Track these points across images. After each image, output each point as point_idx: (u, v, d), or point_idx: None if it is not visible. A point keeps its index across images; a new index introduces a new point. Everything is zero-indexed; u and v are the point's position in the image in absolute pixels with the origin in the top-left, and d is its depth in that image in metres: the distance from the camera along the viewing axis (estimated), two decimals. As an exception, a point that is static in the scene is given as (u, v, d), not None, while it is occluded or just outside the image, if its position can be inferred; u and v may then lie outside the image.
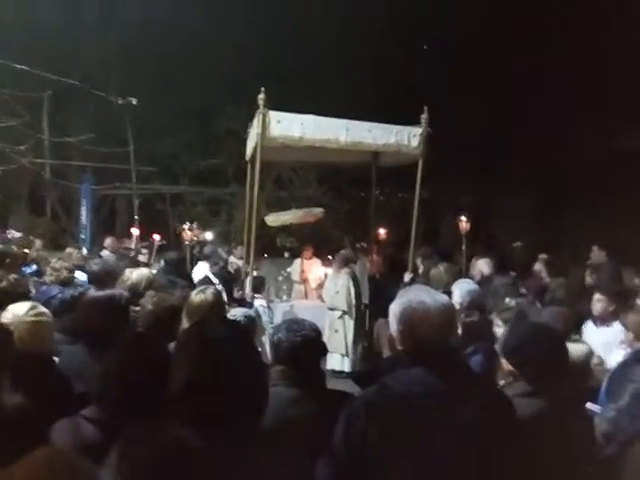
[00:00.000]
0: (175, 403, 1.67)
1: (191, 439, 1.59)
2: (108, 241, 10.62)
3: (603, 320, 4.82)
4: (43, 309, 2.89)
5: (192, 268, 8.55)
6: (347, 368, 8.23)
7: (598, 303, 4.87)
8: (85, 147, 13.28)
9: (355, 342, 8.34)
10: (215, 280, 7.02)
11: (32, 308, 2.81)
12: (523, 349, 2.67)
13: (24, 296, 4.04)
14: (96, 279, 4.88)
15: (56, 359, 3.10)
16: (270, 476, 1.63)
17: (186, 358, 1.71)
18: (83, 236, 16.35)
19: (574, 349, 3.87)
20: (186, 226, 10.49)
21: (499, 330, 4.29)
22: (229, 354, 1.68)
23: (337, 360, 8.24)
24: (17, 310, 2.80)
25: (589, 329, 4.83)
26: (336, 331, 8.27)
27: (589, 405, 3.30)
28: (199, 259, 8.96)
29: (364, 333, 8.53)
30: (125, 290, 3.89)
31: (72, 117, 16.30)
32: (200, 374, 1.66)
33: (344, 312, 8.31)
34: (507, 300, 5.09)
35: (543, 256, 8.32)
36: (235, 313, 3.65)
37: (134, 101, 13.32)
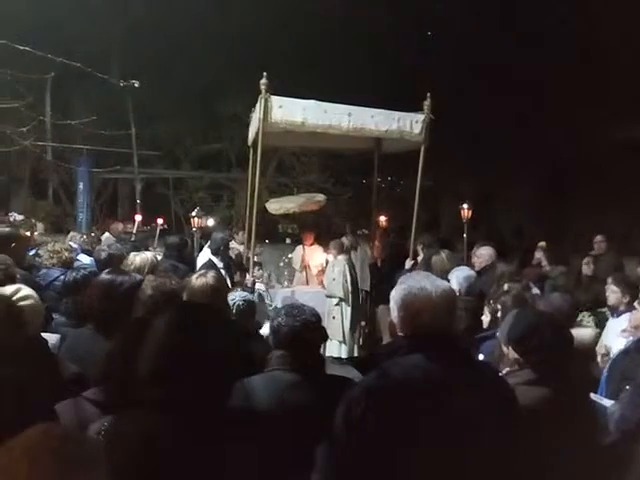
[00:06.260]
0: (143, 389, 1.68)
1: (157, 425, 1.61)
2: (113, 225, 10.85)
3: (618, 310, 4.80)
4: (28, 292, 2.67)
5: (198, 255, 8.53)
6: (344, 354, 8.27)
7: (612, 294, 4.87)
8: (87, 130, 13.23)
9: (352, 329, 8.39)
10: (219, 264, 7.03)
11: (17, 292, 2.62)
12: (528, 337, 2.66)
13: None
14: (105, 264, 4.84)
15: (54, 337, 3.11)
16: (234, 463, 1.64)
17: (153, 344, 1.72)
18: (80, 219, 16.36)
19: (581, 333, 3.91)
20: (194, 213, 10.51)
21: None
22: (194, 341, 1.68)
23: (335, 347, 8.28)
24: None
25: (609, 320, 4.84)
26: (334, 318, 8.30)
27: (593, 396, 3.31)
28: (203, 246, 8.94)
29: (362, 320, 8.57)
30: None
31: (74, 99, 16.21)
32: (165, 360, 1.67)
33: (341, 299, 8.35)
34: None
35: (542, 244, 8.35)
36: (234, 297, 3.64)
37: (136, 83, 13.26)
